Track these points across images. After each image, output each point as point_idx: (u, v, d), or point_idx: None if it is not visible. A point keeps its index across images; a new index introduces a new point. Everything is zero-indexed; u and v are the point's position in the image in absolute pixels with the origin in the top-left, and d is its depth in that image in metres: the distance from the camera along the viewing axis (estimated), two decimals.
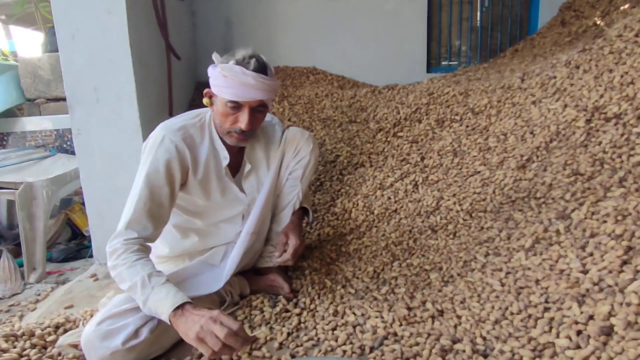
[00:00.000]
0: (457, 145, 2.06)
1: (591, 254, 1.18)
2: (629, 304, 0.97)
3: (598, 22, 2.65)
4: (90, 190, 2.03)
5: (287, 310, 1.44)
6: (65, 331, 1.39)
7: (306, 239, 1.91)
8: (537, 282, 1.23)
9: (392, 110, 2.47)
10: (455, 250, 1.60)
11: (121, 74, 1.93)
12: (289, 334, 1.32)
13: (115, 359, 1.15)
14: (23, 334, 1.32)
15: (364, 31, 3.45)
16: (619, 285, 1.03)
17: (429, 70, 3.58)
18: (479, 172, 1.87)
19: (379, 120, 2.46)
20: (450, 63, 3.69)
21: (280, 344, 1.29)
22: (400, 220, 1.88)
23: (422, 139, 2.22)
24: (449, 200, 1.83)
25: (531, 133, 1.83)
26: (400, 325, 1.28)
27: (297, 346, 1.27)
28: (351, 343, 1.24)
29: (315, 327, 1.34)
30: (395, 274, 1.58)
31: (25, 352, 1.25)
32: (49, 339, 1.32)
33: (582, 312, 1.03)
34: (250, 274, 1.62)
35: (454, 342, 1.17)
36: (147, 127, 1.92)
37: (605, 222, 1.24)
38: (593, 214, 1.31)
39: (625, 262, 1.08)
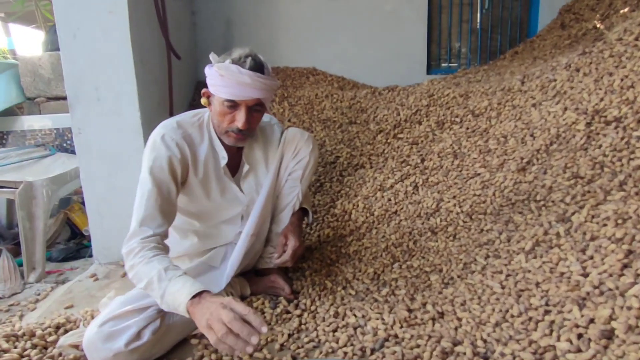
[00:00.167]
0: (457, 147, 2.06)
1: (591, 257, 1.19)
2: (629, 308, 0.98)
3: (598, 25, 2.66)
4: (90, 190, 2.03)
5: (287, 312, 1.44)
6: (66, 331, 1.38)
7: (306, 240, 1.92)
8: (537, 284, 1.24)
9: (392, 112, 2.47)
10: (455, 252, 1.61)
11: (122, 73, 1.93)
12: (289, 336, 1.32)
13: None
14: (24, 334, 1.32)
15: (364, 32, 3.45)
16: (620, 288, 1.04)
17: (428, 72, 3.58)
18: (479, 174, 1.88)
19: (379, 122, 2.47)
20: (450, 65, 3.69)
21: (281, 345, 1.29)
22: (400, 221, 1.88)
23: (422, 141, 2.23)
24: (449, 202, 1.84)
25: (531, 136, 1.84)
26: (401, 327, 1.28)
27: (298, 348, 1.27)
28: (352, 345, 1.25)
29: (316, 329, 1.34)
30: (395, 276, 1.58)
31: (26, 353, 1.25)
32: (50, 339, 1.32)
33: (582, 316, 1.04)
34: (251, 275, 1.62)
35: (455, 344, 1.17)
36: (148, 127, 1.92)
37: (605, 225, 1.25)
38: (593, 217, 1.32)
39: (625, 266, 1.09)
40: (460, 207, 1.79)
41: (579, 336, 1.01)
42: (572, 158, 1.61)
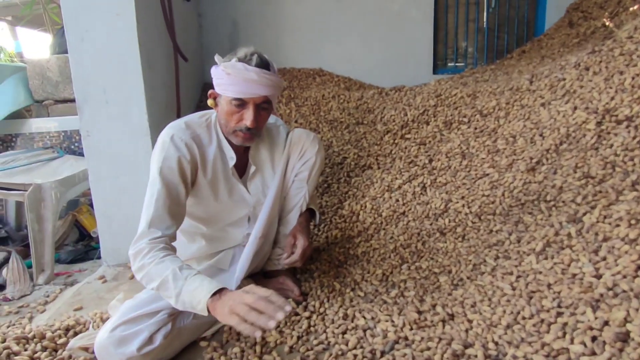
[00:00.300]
0: (466, 148, 2.05)
1: (604, 259, 1.17)
2: None
3: (607, 23, 2.64)
4: (98, 192, 2.04)
5: (296, 314, 1.44)
6: (76, 334, 1.39)
7: (314, 242, 1.91)
8: (549, 286, 1.22)
9: (400, 112, 2.46)
10: (464, 253, 1.60)
11: (130, 75, 1.94)
12: (299, 338, 1.32)
13: None
14: (34, 337, 1.32)
15: (370, 32, 3.44)
16: (634, 290, 1.02)
17: (435, 72, 3.57)
18: (487, 174, 1.86)
19: (386, 122, 2.46)
20: (457, 64, 3.67)
21: (291, 347, 1.29)
22: (409, 222, 1.87)
23: (430, 141, 2.22)
24: (457, 202, 1.82)
25: (541, 135, 1.82)
26: (411, 329, 1.27)
27: (308, 350, 1.26)
28: (362, 347, 1.24)
29: (325, 331, 1.33)
30: (404, 277, 1.57)
31: (36, 355, 1.25)
32: (60, 341, 1.32)
33: (596, 318, 1.02)
34: (259, 277, 1.62)
35: (466, 346, 1.16)
36: (156, 129, 1.92)
37: (618, 225, 1.23)
38: (605, 217, 1.30)
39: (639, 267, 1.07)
40: (469, 207, 1.78)
41: (593, 339, 0.99)
42: (582, 158, 1.59)
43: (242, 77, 1.27)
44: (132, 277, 1.93)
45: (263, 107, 1.34)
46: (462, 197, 1.83)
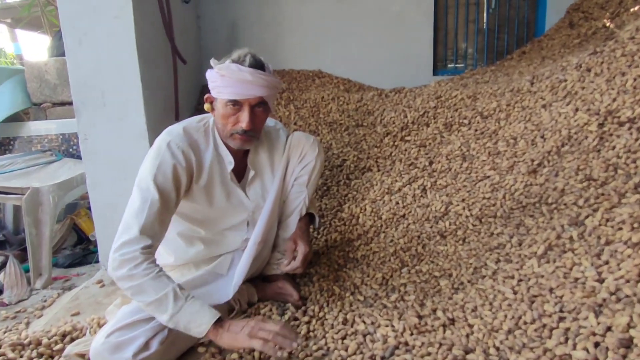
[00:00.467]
0: (466, 150, 2.03)
1: (607, 262, 1.16)
2: None
3: (608, 24, 2.62)
4: (96, 195, 2.02)
5: (295, 319, 1.42)
6: (72, 340, 1.37)
7: (313, 245, 1.90)
8: (550, 290, 1.21)
9: (400, 114, 2.44)
10: (465, 257, 1.58)
11: (128, 78, 1.93)
12: (298, 343, 1.30)
13: None
14: (30, 343, 1.31)
15: (369, 34, 3.43)
16: (638, 295, 1.01)
17: (435, 73, 3.55)
18: (488, 176, 1.85)
19: (386, 124, 2.44)
20: (457, 65, 3.66)
21: (290, 353, 1.27)
22: (409, 225, 1.86)
23: (430, 143, 2.20)
24: (458, 205, 1.81)
25: (542, 137, 1.81)
26: (411, 334, 1.26)
27: (307, 356, 1.25)
28: (362, 353, 1.22)
29: (324, 336, 1.32)
30: (404, 281, 1.56)
31: None
32: (56, 348, 1.31)
33: (599, 323, 1.01)
34: (258, 281, 1.60)
35: (467, 352, 1.15)
36: (154, 132, 1.91)
37: (620, 229, 1.22)
38: (608, 220, 1.28)
39: None
40: (469, 210, 1.76)
41: (596, 345, 0.98)
42: (584, 160, 1.57)
43: (236, 78, 1.26)
44: None
45: (259, 108, 1.32)
46: (463, 200, 1.82)
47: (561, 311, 1.12)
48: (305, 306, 1.48)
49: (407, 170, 2.10)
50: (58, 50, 2.75)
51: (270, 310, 1.48)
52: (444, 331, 1.26)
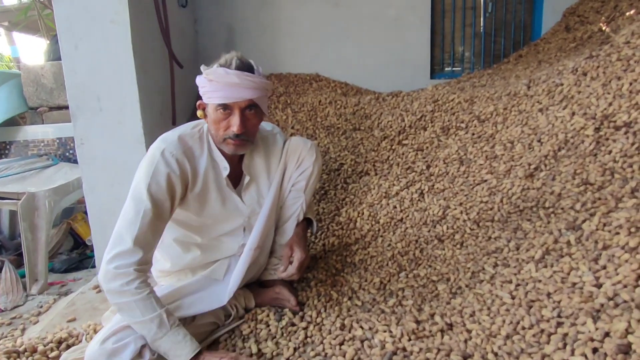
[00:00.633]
0: (463, 153, 2.04)
1: (604, 267, 1.15)
2: None
3: (604, 28, 2.63)
4: (93, 200, 2.02)
5: (293, 324, 1.41)
6: (68, 346, 1.37)
7: (311, 249, 1.89)
8: (548, 295, 1.20)
9: (397, 118, 2.45)
10: (462, 261, 1.58)
11: (124, 83, 1.92)
12: (295, 349, 1.30)
13: None
14: (25, 350, 1.30)
15: (366, 37, 3.43)
16: (636, 300, 1.00)
17: (432, 77, 3.56)
18: (485, 180, 1.85)
19: (383, 128, 2.44)
20: (454, 69, 3.67)
21: (287, 359, 1.26)
22: (406, 229, 1.85)
23: (427, 147, 2.20)
24: (455, 209, 1.81)
25: (539, 141, 1.81)
26: (409, 339, 1.25)
27: None
28: (359, 359, 1.22)
29: (322, 342, 1.31)
30: (402, 285, 1.55)
31: None
32: (52, 354, 1.30)
33: (597, 329, 1.00)
34: (255, 286, 1.59)
35: (465, 357, 1.14)
36: (151, 137, 1.90)
37: (618, 233, 1.22)
38: (605, 225, 1.28)
39: None
40: (467, 214, 1.76)
41: (594, 350, 0.97)
42: (581, 164, 1.57)
43: (224, 82, 1.25)
44: None
45: (250, 111, 1.31)
46: (460, 204, 1.81)
47: (559, 316, 1.12)
48: (302, 311, 1.47)
49: (405, 174, 2.10)
50: (55, 54, 2.74)
51: (268, 315, 1.47)
52: (442, 336, 1.25)
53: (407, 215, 1.91)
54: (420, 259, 1.68)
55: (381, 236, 1.87)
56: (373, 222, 1.95)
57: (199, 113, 1.37)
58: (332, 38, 3.44)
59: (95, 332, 1.44)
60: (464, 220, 1.74)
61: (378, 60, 3.44)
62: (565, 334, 1.06)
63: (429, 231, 1.79)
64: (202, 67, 1.32)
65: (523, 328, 1.16)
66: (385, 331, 1.30)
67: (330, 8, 3.40)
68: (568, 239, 1.33)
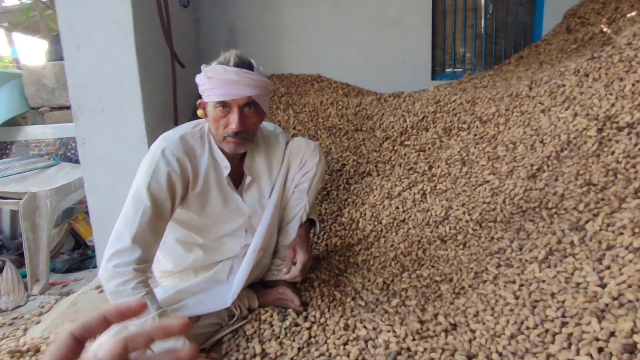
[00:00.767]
0: (465, 154, 2.04)
1: (608, 267, 1.16)
2: None
3: (605, 30, 2.64)
4: (94, 200, 2.01)
5: (296, 324, 1.41)
6: None
7: (314, 250, 1.89)
8: (552, 295, 1.21)
9: (399, 119, 2.45)
10: (465, 261, 1.58)
11: (127, 82, 1.92)
12: (299, 349, 1.29)
13: None
14: (28, 350, 1.30)
15: (368, 38, 3.44)
16: None
17: (433, 78, 3.57)
18: (488, 181, 1.85)
19: (385, 129, 2.44)
20: (455, 70, 3.68)
21: (291, 359, 1.26)
22: (409, 230, 1.86)
23: (429, 148, 2.20)
24: (458, 210, 1.81)
25: (541, 142, 1.81)
26: (413, 339, 1.25)
27: None
28: (364, 359, 1.22)
29: (326, 342, 1.31)
30: (405, 286, 1.55)
31: None
32: None
33: (602, 328, 1.01)
34: (258, 287, 1.59)
35: (470, 357, 1.14)
36: (153, 136, 1.89)
37: (621, 234, 1.22)
38: (608, 225, 1.29)
39: None
40: (469, 214, 1.76)
41: (600, 350, 0.98)
42: (584, 165, 1.58)
43: (222, 79, 1.24)
44: None
45: (249, 109, 1.30)
46: (463, 204, 1.82)
47: (563, 316, 1.12)
48: (306, 312, 1.47)
49: (407, 175, 2.10)
50: (56, 54, 2.74)
51: (271, 315, 1.47)
52: (446, 336, 1.25)
53: (410, 216, 1.91)
54: (423, 259, 1.68)
55: (384, 237, 1.87)
56: (375, 223, 1.95)
57: (199, 112, 1.36)
58: (333, 39, 3.44)
59: None
60: (467, 221, 1.75)
61: (379, 62, 3.45)
62: (570, 334, 1.06)
63: (431, 232, 1.79)
64: (203, 66, 1.32)
65: (527, 328, 1.16)
66: (389, 331, 1.30)
67: (332, 9, 3.41)
68: (571, 240, 1.33)
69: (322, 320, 1.42)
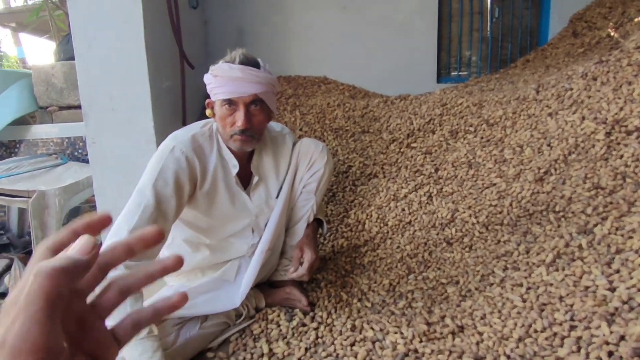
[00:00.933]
0: (472, 157, 2.04)
1: (618, 271, 1.16)
2: None
3: (612, 34, 2.64)
4: (103, 199, 2.03)
5: (304, 325, 1.42)
6: None
7: (320, 251, 1.89)
8: (560, 298, 1.21)
9: (405, 121, 2.45)
10: (472, 264, 1.58)
11: (137, 83, 1.94)
12: (306, 349, 1.30)
13: None
14: None
15: (374, 41, 3.45)
16: None
17: (439, 81, 3.57)
18: (494, 184, 1.85)
19: (392, 131, 2.45)
20: (461, 73, 3.68)
21: (299, 359, 1.27)
22: (415, 232, 1.86)
23: (435, 150, 2.21)
24: (464, 212, 1.81)
25: (548, 145, 1.82)
26: (421, 341, 1.25)
27: None
28: None
29: (333, 343, 1.31)
30: (411, 288, 1.56)
31: None
32: None
33: (612, 332, 1.00)
34: (265, 287, 1.59)
35: None
36: (162, 136, 1.90)
37: (631, 237, 1.22)
38: (617, 229, 1.29)
39: None
40: (476, 217, 1.76)
41: (610, 354, 0.97)
42: (592, 168, 1.58)
43: (228, 77, 1.25)
44: None
45: (255, 107, 1.30)
46: (469, 207, 1.82)
47: (572, 320, 1.12)
48: (313, 312, 1.48)
49: (413, 177, 2.11)
50: (65, 54, 2.76)
51: (279, 315, 1.47)
52: (454, 339, 1.25)
53: (416, 218, 1.92)
54: (429, 261, 1.69)
55: (390, 238, 1.88)
56: (382, 225, 1.95)
57: (207, 112, 1.37)
58: (340, 41, 3.46)
59: None
60: (473, 224, 1.75)
61: (385, 64, 3.46)
62: (579, 337, 1.06)
63: (437, 234, 1.79)
64: (210, 67, 1.33)
65: (535, 331, 1.16)
66: (396, 333, 1.30)
67: (339, 12, 3.42)
68: (579, 243, 1.33)
69: (329, 320, 1.43)
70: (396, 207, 2.00)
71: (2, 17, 6.99)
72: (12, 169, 2.38)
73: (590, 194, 1.50)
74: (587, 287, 1.18)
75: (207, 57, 3.35)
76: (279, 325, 1.42)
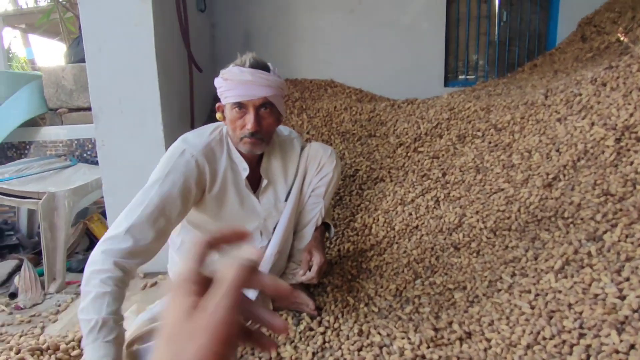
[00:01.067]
0: (480, 162, 2.04)
1: (628, 279, 1.15)
2: None
3: (622, 39, 2.63)
4: (112, 201, 2.04)
5: (311, 329, 1.42)
6: None
7: (326, 255, 1.90)
8: (569, 306, 1.20)
9: (413, 125, 2.45)
10: (479, 270, 1.57)
11: (146, 85, 1.95)
12: (314, 354, 1.30)
13: None
14: (48, 348, 1.32)
15: (381, 45, 3.46)
16: None
17: (446, 84, 3.57)
18: (502, 189, 1.85)
19: (399, 135, 2.45)
20: (468, 77, 3.68)
21: None
22: (422, 236, 1.86)
23: (443, 155, 2.21)
24: (471, 217, 1.81)
25: (557, 151, 1.81)
26: (428, 347, 1.25)
27: None
28: None
29: (340, 347, 1.32)
30: (418, 293, 1.56)
31: None
32: (74, 353, 1.32)
33: (622, 341, 1.00)
34: None
35: None
36: (170, 139, 1.92)
37: None
38: (627, 236, 1.28)
39: None
40: (483, 222, 1.76)
41: None
42: (601, 175, 1.57)
43: (238, 80, 1.26)
44: (145, 286, 1.92)
45: (265, 110, 1.31)
46: (477, 212, 1.81)
47: (581, 327, 1.12)
48: (320, 316, 1.48)
49: (420, 181, 2.10)
50: (75, 56, 2.79)
51: (286, 319, 1.48)
52: (461, 345, 1.25)
53: (423, 223, 1.91)
54: (436, 266, 1.68)
55: (396, 243, 1.88)
56: (388, 229, 1.95)
57: (218, 116, 1.38)
58: (347, 45, 3.46)
59: None
60: (481, 229, 1.74)
61: (392, 68, 3.46)
62: (589, 346, 1.06)
63: (444, 239, 1.79)
64: (221, 70, 1.34)
65: (544, 338, 1.16)
66: (403, 338, 1.30)
67: (346, 15, 3.43)
68: (589, 250, 1.33)
69: (336, 325, 1.43)
70: (403, 211, 2.00)
71: (12, 19, 7.07)
72: (23, 170, 2.41)
73: (599, 200, 1.50)
74: (596, 295, 1.17)
75: (214, 60, 3.37)
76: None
